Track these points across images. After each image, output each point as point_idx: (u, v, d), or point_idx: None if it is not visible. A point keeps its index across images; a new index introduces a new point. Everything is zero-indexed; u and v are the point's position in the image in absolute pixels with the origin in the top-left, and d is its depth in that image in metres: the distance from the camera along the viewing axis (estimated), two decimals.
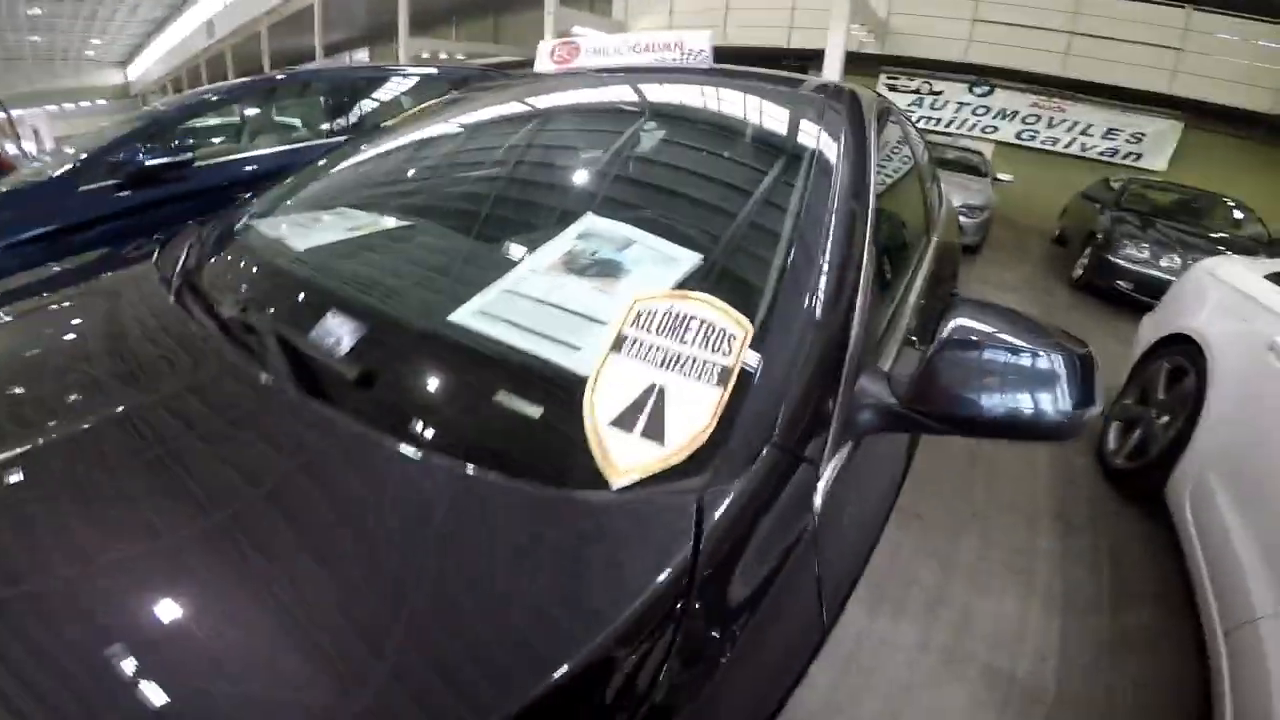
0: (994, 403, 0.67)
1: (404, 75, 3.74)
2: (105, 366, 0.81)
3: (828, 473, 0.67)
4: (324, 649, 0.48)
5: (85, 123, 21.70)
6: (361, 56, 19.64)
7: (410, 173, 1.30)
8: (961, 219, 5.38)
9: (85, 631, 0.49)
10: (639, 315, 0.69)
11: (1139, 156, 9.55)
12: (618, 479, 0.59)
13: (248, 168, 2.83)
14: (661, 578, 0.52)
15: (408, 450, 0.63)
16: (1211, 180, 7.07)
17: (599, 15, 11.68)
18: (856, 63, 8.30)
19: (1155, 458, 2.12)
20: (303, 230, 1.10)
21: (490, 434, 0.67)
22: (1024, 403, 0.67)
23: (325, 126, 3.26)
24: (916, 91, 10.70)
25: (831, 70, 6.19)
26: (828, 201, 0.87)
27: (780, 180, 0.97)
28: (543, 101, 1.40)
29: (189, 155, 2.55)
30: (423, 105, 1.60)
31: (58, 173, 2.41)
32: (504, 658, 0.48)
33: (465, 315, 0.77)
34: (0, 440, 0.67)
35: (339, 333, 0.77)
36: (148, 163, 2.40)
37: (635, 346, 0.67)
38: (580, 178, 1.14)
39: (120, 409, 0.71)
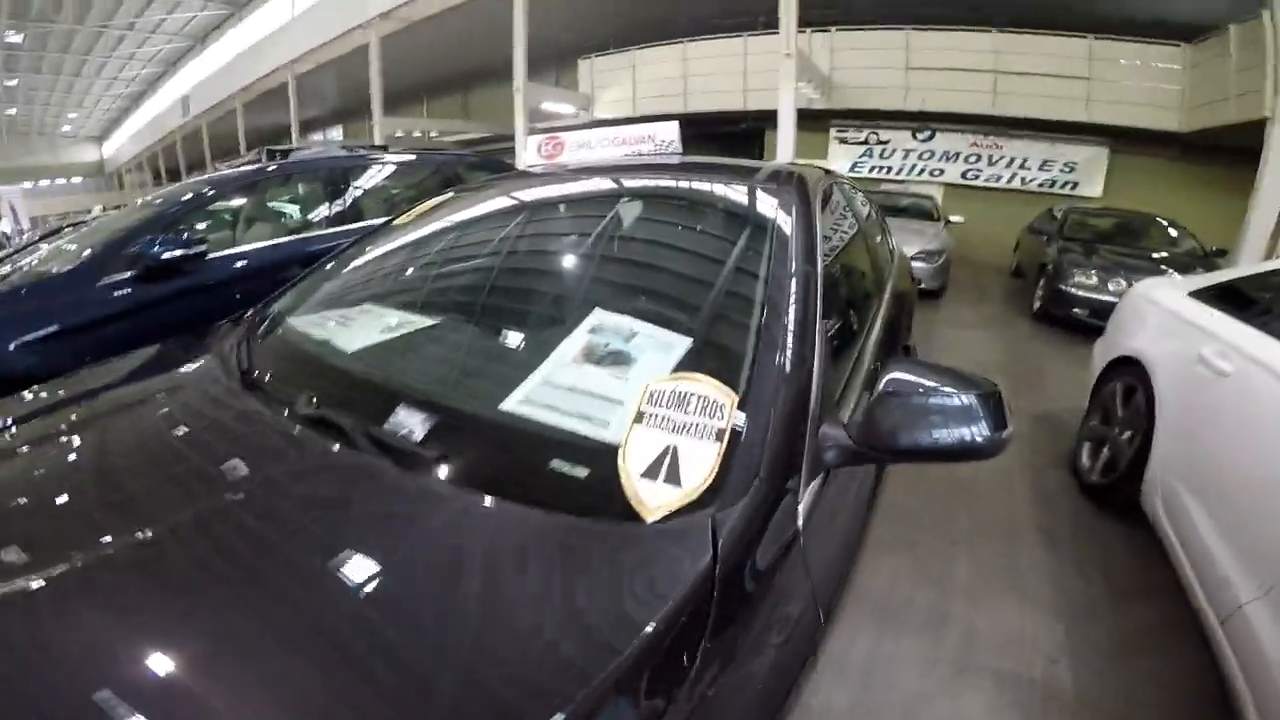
0: (923, 435, 0.84)
1: (384, 163, 3.88)
2: (217, 454, 0.95)
3: (805, 498, 0.86)
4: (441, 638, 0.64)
5: (61, 202, 21.48)
6: (335, 134, 20.20)
7: (429, 270, 1.48)
8: (920, 265, 5.58)
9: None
10: (651, 395, 0.88)
11: (1075, 185, 10.17)
12: (650, 515, 0.77)
13: (252, 260, 2.89)
14: (693, 578, 0.69)
15: (495, 504, 0.80)
16: (1144, 202, 7.43)
17: (566, 88, 12.35)
18: (808, 119, 8.87)
19: (1125, 471, 2.28)
20: (347, 329, 1.27)
21: (555, 488, 0.85)
22: (947, 432, 0.84)
23: (320, 215, 3.35)
24: (865, 142, 11.39)
25: (785, 128, 6.57)
26: (785, 280, 1.07)
27: (745, 264, 1.18)
28: (541, 200, 1.60)
29: (204, 248, 2.61)
30: (429, 204, 1.77)
31: (74, 265, 2.43)
32: (581, 642, 0.65)
33: (514, 403, 0.96)
34: (135, 520, 0.79)
35: (416, 421, 0.94)
36: (164, 255, 2.44)
37: (652, 419, 0.86)
38: (584, 270, 1.35)
39: (236, 489, 0.85)
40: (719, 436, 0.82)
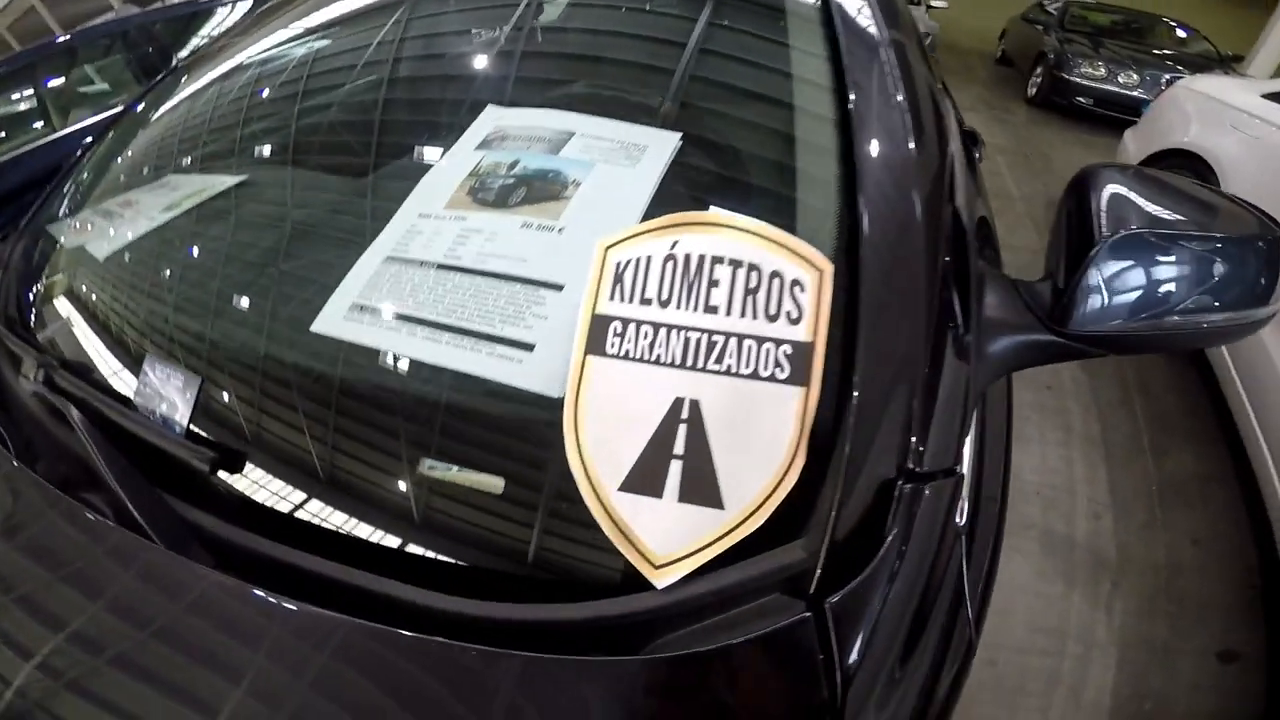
0: (1169, 311, 0.46)
1: (231, 2, 3.05)
2: None
3: (968, 460, 0.43)
4: None
5: None
6: None
7: (245, 108, 0.86)
8: None
9: None
10: (618, 275, 0.39)
11: None
12: (660, 577, 0.34)
13: (56, 154, 2.18)
14: None
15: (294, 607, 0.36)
16: (1140, 4, 6.89)
17: None
18: None
19: None
20: (115, 224, 0.72)
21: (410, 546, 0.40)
22: (1207, 305, 0.46)
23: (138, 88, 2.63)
24: None
25: None
26: (870, 42, 0.55)
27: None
28: None
29: None
30: (240, 21, 1.13)
31: None
32: None
33: (333, 318, 0.46)
34: None
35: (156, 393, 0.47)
36: None
37: (627, 337, 0.37)
38: (480, 61, 0.73)
39: None
40: (800, 366, 0.36)
